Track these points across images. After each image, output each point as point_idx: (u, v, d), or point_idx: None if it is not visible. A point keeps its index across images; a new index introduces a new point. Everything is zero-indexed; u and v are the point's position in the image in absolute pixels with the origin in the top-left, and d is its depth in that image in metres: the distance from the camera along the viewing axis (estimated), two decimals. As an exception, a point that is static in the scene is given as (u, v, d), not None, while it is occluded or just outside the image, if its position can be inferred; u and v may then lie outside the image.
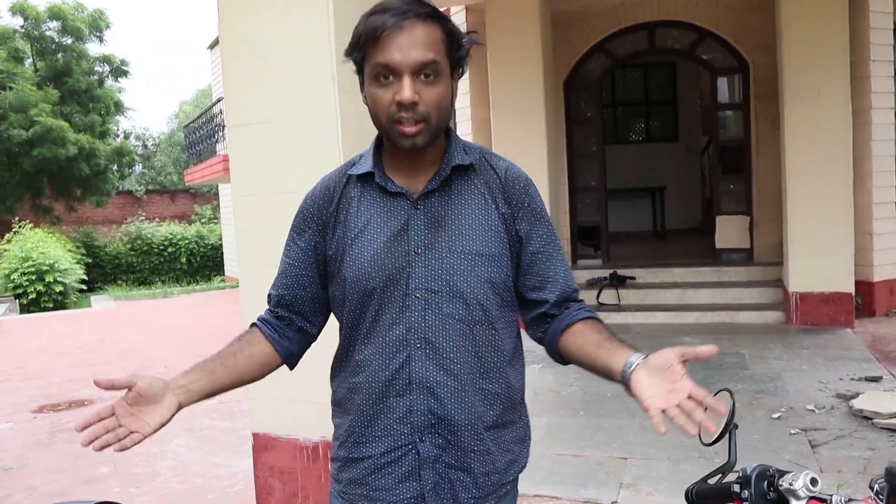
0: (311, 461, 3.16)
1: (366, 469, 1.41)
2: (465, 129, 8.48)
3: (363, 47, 1.29)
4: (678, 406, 1.14)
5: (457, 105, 8.57)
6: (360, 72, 1.34)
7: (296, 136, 3.18)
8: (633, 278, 8.03)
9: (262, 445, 3.28)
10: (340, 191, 1.43)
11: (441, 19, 1.32)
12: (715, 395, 1.21)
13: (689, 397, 1.14)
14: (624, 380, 1.25)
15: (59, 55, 21.63)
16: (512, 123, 7.30)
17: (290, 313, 1.48)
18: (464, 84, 8.40)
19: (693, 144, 11.96)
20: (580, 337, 1.39)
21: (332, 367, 1.52)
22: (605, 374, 1.32)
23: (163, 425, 1.29)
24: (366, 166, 1.40)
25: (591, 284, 8.01)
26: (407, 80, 1.26)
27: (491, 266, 1.38)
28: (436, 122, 1.31)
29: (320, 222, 1.44)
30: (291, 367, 1.54)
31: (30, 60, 21.76)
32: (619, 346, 1.32)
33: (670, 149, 11.96)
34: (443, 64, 1.30)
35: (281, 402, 3.21)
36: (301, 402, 3.09)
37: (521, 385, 1.50)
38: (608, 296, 7.85)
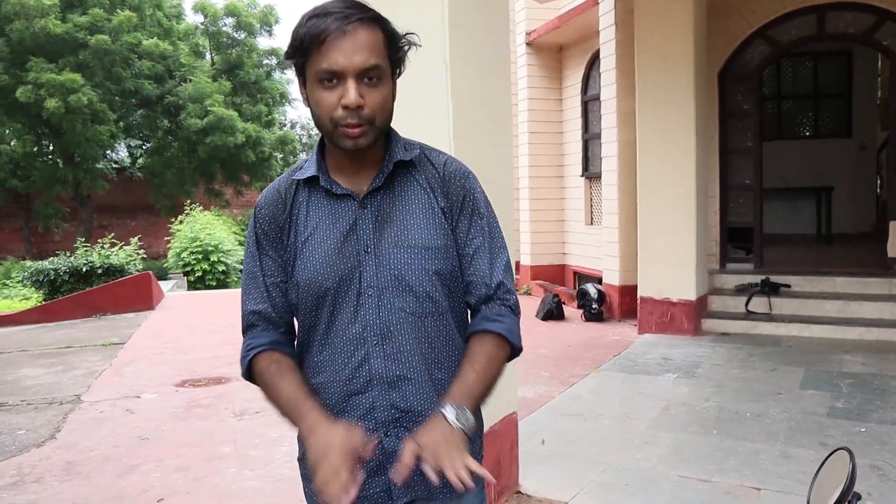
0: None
1: None
2: (609, 121, 8.13)
3: (306, 51, 1.32)
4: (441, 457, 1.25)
5: (602, 97, 8.23)
6: (299, 73, 1.37)
7: (410, 126, 3.10)
8: (787, 286, 7.37)
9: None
10: (291, 196, 1.46)
11: (381, 21, 1.35)
12: (831, 454, 0.98)
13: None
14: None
15: (233, 49, 23.11)
16: (658, 115, 6.90)
17: (281, 323, 1.49)
18: (609, 75, 8.04)
19: (868, 141, 10.85)
20: (465, 350, 1.45)
21: None
22: None
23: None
24: (310, 170, 1.44)
25: (740, 291, 7.44)
26: (351, 84, 1.30)
27: (436, 258, 1.42)
28: (380, 123, 1.36)
29: (276, 228, 1.46)
30: None
31: (208, 55, 23.44)
32: (457, 383, 1.39)
33: (841, 145, 10.91)
34: (384, 66, 1.34)
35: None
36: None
37: None
38: (758, 304, 7.25)
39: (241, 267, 1.57)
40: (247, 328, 1.49)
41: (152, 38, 19.61)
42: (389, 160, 1.43)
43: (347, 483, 1.21)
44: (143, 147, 23.84)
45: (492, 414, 3.41)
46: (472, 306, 1.49)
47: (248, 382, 1.51)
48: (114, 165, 22.84)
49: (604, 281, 8.64)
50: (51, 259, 11.61)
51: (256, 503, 3.75)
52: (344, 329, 1.40)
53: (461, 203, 1.45)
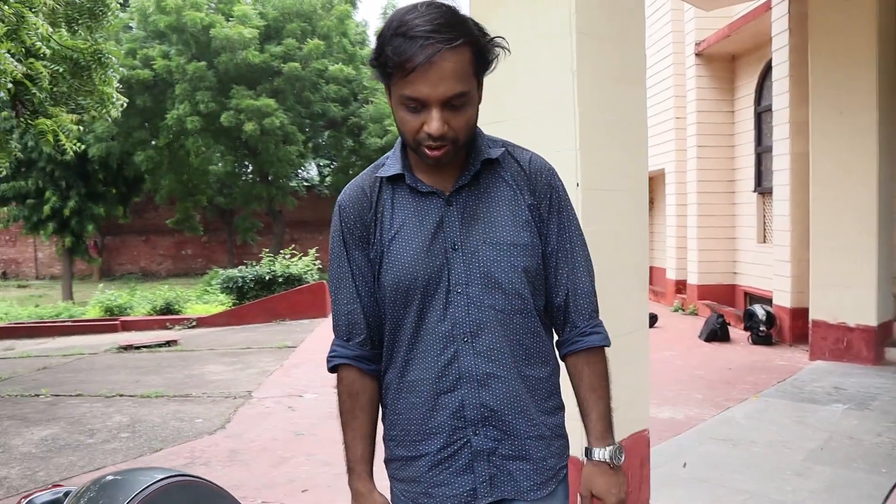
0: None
1: (424, 466, 1.44)
2: (781, 132, 7.62)
3: (390, 75, 1.29)
4: None
5: (774, 107, 7.75)
6: (385, 84, 1.34)
7: (537, 132, 3.14)
8: None
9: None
10: (376, 194, 1.44)
11: (469, 42, 1.29)
12: None
13: None
14: (586, 455, 1.47)
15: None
16: (834, 124, 6.37)
17: (368, 332, 1.48)
18: (781, 83, 7.55)
19: None
20: (576, 372, 1.50)
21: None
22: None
23: None
24: (395, 168, 1.43)
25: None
26: (435, 113, 1.28)
27: (524, 255, 1.40)
28: (463, 140, 1.34)
29: (363, 227, 1.44)
30: None
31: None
32: (595, 418, 1.46)
33: None
34: (471, 88, 1.31)
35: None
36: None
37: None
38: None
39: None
40: (336, 331, 1.50)
41: (338, 63, 20.98)
42: (477, 158, 1.41)
43: None
44: (331, 166, 25.48)
45: (619, 430, 3.32)
46: (559, 309, 1.48)
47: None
48: (304, 183, 24.65)
49: (774, 302, 8.07)
50: (239, 268, 12.75)
51: (388, 500, 3.89)
52: (433, 327, 1.39)
53: (549, 200, 1.45)
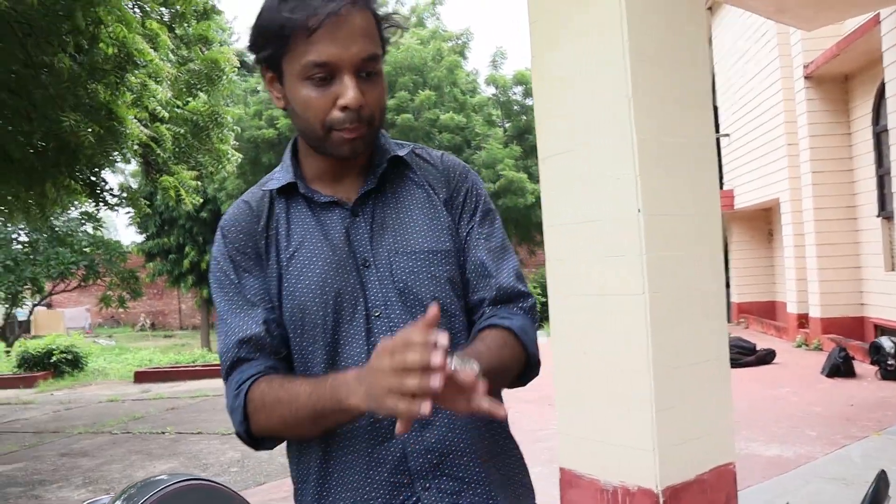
0: (609, 505, 3.04)
1: None
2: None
3: (286, 40, 1.07)
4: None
5: (889, 125, 7.31)
6: (272, 68, 1.13)
7: (595, 162, 3.17)
8: None
9: (568, 482, 3.26)
10: (266, 209, 1.20)
11: (369, 3, 1.11)
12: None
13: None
14: None
15: (523, 116, 24.45)
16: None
17: (278, 351, 1.17)
18: (895, 100, 7.10)
19: None
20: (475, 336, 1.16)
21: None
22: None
23: None
24: (285, 178, 1.19)
25: None
26: (350, 81, 1.07)
27: (447, 263, 1.18)
28: (378, 122, 1.14)
29: (253, 245, 1.18)
30: None
31: (500, 123, 25.09)
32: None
33: None
34: (381, 55, 1.12)
35: (584, 440, 3.15)
36: (603, 442, 3.02)
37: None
38: None
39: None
40: (232, 367, 1.14)
41: (449, 112, 21.55)
42: (383, 156, 1.20)
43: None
44: (446, 212, 25.92)
45: (701, 462, 3.20)
46: (475, 309, 1.21)
47: (253, 446, 1.17)
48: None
49: (905, 334, 7.48)
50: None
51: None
52: (354, 362, 1.12)
53: (464, 197, 1.23)
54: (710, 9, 12.78)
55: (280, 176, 1.21)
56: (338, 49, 1.05)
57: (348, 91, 1.06)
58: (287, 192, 1.20)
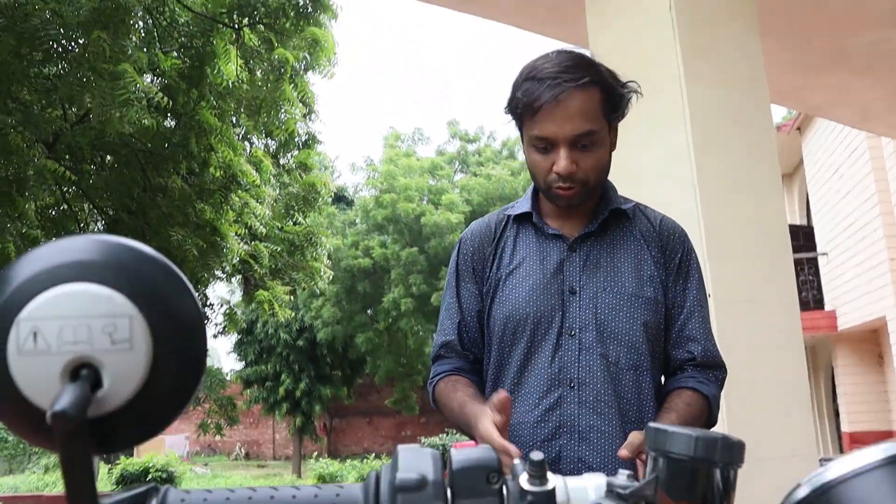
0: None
1: None
2: None
3: (520, 116, 1.34)
4: None
5: None
6: (519, 130, 1.39)
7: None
8: None
9: None
10: (500, 230, 1.46)
11: (598, 82, 1.31)
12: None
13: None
14: None
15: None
16: None
17: (468, 355, 1.47)
18: None
19: None
20: (665, 400, 1.38)
21: None
22: None
23: None
24: (524, 207, 1.45)
25: None
26: (563, 153, 1.30)
27: (646, 309, 1.36)
28: (594, 183, 1.36)
29: (480, 260, 1.46)
30: None
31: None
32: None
33: None
34: (600, 128, 1.32)
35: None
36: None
37: None
38: None
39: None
40: (434, 359, 1.49)
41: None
42: (606, 206, 1.41)
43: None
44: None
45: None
46: (674, 365, 1.41)
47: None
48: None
49: None
50: (440, 435, 13.03)
51: None
52: (540, 369, 1.34)
53: (678, 260, 1.41)
54: (798, 129, 12.79)
55: (520, 205, 1.48)
56: (555, 127, 1.29)
57: (561, 161, 1.30)
58: (521, 220, 1.47)
